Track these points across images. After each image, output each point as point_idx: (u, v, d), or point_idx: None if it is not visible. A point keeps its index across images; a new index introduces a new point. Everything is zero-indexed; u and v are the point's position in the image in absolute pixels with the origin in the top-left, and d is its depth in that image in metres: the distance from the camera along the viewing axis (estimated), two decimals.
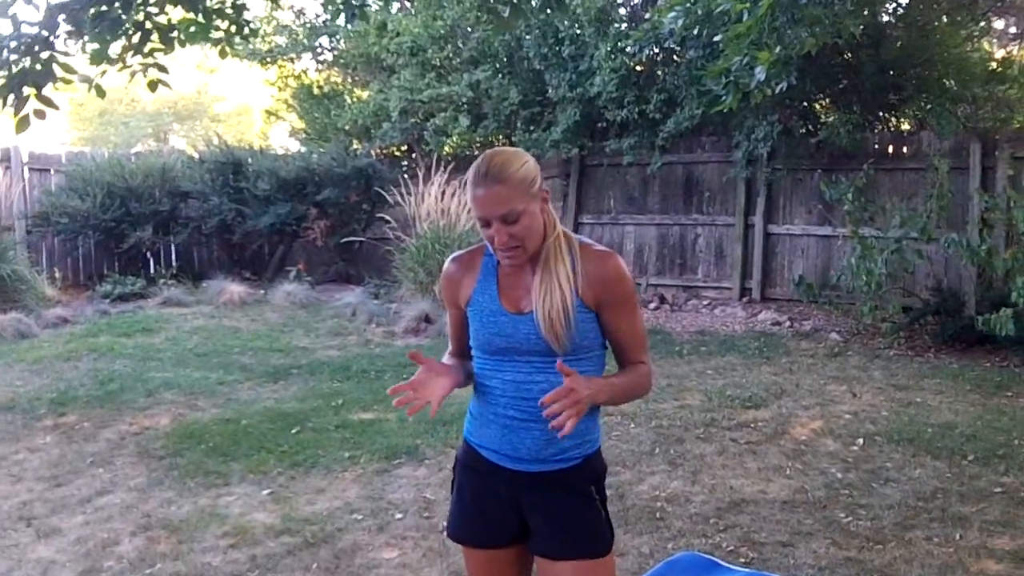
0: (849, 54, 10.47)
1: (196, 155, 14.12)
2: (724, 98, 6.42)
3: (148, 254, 13.27)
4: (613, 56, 11.12)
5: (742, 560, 4.20)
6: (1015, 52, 11.88)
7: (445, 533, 2.64)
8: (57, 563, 4.15)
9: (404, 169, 13.38)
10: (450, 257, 2.55)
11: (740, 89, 6.05)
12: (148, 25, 4.80)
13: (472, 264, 2.47)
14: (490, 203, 2.25)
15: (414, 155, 13.95)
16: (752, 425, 6.28)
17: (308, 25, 15.55)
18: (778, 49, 5.59)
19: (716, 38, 6.72)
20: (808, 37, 5.72)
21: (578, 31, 11.63)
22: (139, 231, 12.59)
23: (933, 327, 9.01)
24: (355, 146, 14.66)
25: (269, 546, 4.32)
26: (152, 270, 13.18)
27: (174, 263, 13.55)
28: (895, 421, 6.36)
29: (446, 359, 2.54)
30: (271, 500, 4.92)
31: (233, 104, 34.91)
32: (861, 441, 5.89)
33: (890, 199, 9.92)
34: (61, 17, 4.57)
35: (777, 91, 6.63)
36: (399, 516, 4.69)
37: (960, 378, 7.64)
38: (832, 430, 6.15)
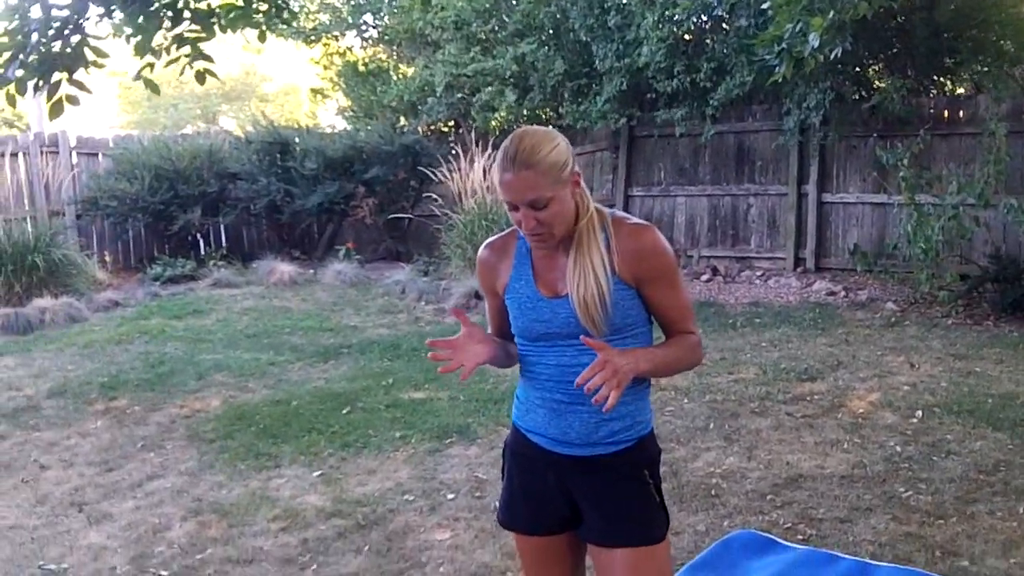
0: (902, 17, 10.19)
1: (243, 136, 14.15)
2: (777, 68, 6.24)
3: (197, 236, 13.35)
4: (660, 25, 10.92)
5: (800, 537, 4.12)
6: None
7: (497, 518, 2.60)
8: (108, 549, 4.17)
9: (451, 145, 13.32)
10: (484, 243, 2.49)
11: (794, 57, 5.86)
12: (180, 4, 4.75)
13: (506, 249, 2.42)
14: (517, 188, 2.17)
15: (461, 130, 13.88)
16: (808, 398, 6.15)
17: (352, 2, 15.48)
18: (831, 14, 5.41)
19: (765, 5, 6.54)
20: (862, 1, 5.52)
21: (624, 1, 11.43)
22: (188, 213, 12.67)
23: (992, 295, 8.78)
24: (402, 123, 14.62)
25: (320, 529, 4.31)
26: (202, 252, 13.25)
27: (223, 244, 13.63)
28: (954, 392, 6.20)
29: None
30: (322, 482, 4.92)
31: (280, 84, 35.03)
32: (920, 413, 5.75)
33: (946, 165, 9.67)
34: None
35: (832, 57, 6.44)
36: (451, 497, 4.66)
37: (1021, 347, 7.43)
38: (890, 402, 6.01)
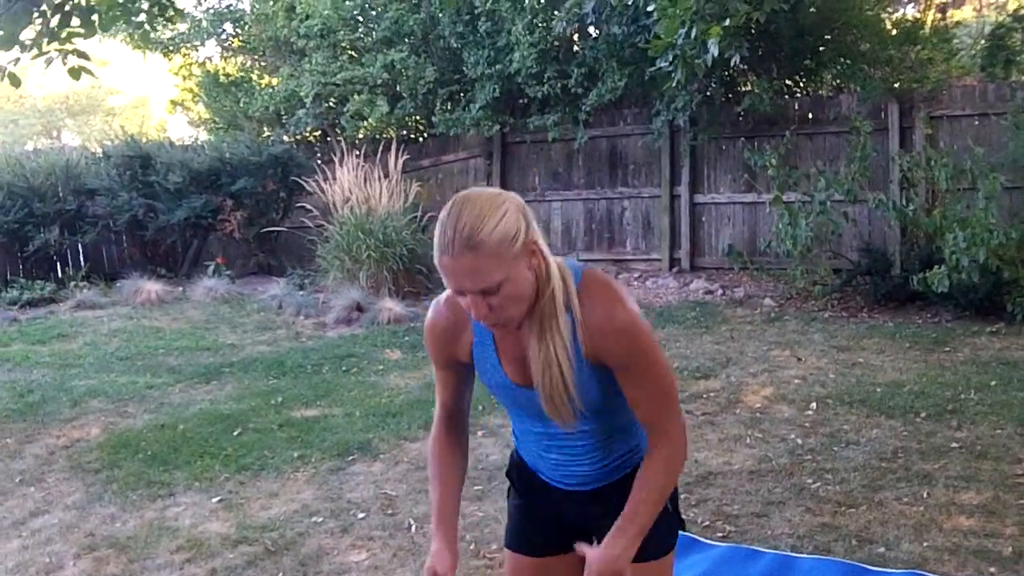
0: (766, 20, 10.47)
1: (100, 150, 13.54)
2: (672, 74, 6.29)
3: (55, 256, 12.70)
4: (531, 31, 10.95)
5: (719, 534, 4.14)
6: (926, 14, 12.04)
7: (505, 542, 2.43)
8: None
9: (319, 155, 13.05)
10: (433, 307, 2.14)
11: (688, 63, 5.92)
12: (68, 7, 4.45)
13: (460, 317, 2.08)
14: (459, 276, 1.85)
15: (329, 139, 13.61)
16: (705, 396, 6.22)
17: (212, 11, 15.02)
18: (727, 21, 5.48)
19: (650, 7, 6.58)
20: (746, 6, 5.61)
21: (494, 6, 11.41)
22: (44, 232, 12.05)
23: (865, 288, 9.10)
24: (266, 133, 14.25)
25: (228, 557, 4.08)
26: (61, 272, 12.61)
27: (84, 264, 12.97)
28: (843, 383, 6.38)
29: (437, 419, 2.29)
30: (222, 508, 4.68)
31: (130, 97, 33.88)
32: (814, 405, 5.88)
33: (813, 163, 9.98)
34: None
35: (732, 65, 6.53)
36: (361, 516, 4.50)
37: (898, 336, 7.71)
38: (784, 396, 6.13)
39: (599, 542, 2.12)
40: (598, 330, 1.95)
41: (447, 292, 2.04)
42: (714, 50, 5.53)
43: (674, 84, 6.41)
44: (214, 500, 4.78)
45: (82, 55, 4.67)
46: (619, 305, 1.97)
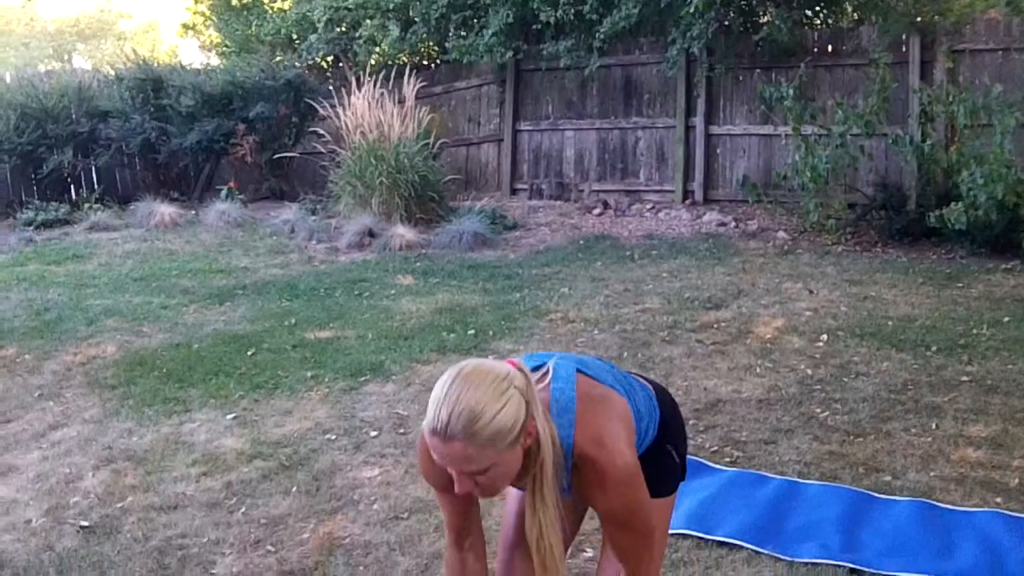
0: None
1: (113, 73, 13.44)
2: None
3: (69, 178, 12.67)
4: None
5: (727, 460, 4.18)
6: None
7: None
8: (19, 502, 3.93)
9: (332, 81, 12.95)
10: (425, 431, 1.86)
11: None
12: None
13: None
14: (447, 458, 1.77)
15: (341, 65, 13.50)
16: (715, 326, 6.24)
17: None
18: None
19: None
20: None
21: None
22: (58, 154, 11.99)
23: (879, 222, 9.07)
24: (278, 58, 14.13)
25: (243, 471, 4.15)
26: (75, 194, 12.59)
27: (97, 186, 12.93)
28: (855, 316, 6.38)
29: (448, 544, 2.18)
30: (237, 425, 4.74)
31: (140, 21, 33.62)
32: (825, 337, 5.90)
33: (832, 96, 9.87)
34: None
35: None
36: (374, 434, 4.55)
37: (911, 271, 7.70)
38: (795, 327, 6.14)
39: None
40: (589, 485, 1.93)
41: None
42: None
43: (691, 10, 6.29)
44: (229, 417, 4.84)
45: None
46: (615, 457, 1.91)
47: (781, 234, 9.32)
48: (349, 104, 10.87)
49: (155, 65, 13.47)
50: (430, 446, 1.79)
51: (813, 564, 3.24)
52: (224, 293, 7.69)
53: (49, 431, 4.74)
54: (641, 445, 2.15)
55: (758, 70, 10.75)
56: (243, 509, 3.78)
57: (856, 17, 11.10)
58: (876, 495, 3.75)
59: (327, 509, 3.77)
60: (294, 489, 3.96)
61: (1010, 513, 3.57)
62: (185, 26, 17.53)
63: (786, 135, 9.83)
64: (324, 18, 12.53)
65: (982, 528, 3.47)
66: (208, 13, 15.96)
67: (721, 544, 3.40)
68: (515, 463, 1.82)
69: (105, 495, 3.95)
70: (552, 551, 1.90)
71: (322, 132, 11.14)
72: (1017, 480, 3.85)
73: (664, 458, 2.29)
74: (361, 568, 3.32)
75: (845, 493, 3.77)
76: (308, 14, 12.86)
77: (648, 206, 11.19)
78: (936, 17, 10.05)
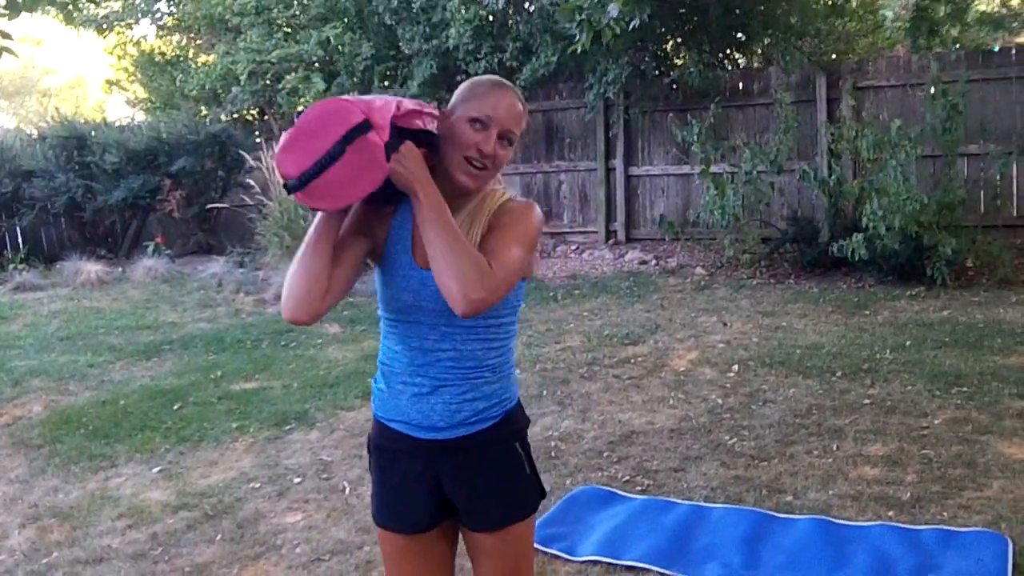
0: None
1: (35, 131, 13.44)
2: (577, 37, 6.46)
3: None
4: (466, 7, 11.07)
5: (638, 488, 4.35)
6: None
7: (373, 518, 2.37)
8: None
9: (257, 133, 13.06)
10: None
11: (593, 27, 6.09)
12: None
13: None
14: (507, 110, 2.10)
15: (266, 117, 13.63)
16: (633, 361, 6.45)
17: None
18: None
19: None
20: None
21: None
22: None
23: (792, 255, 9.40)
24: (203, 112, 14.22)
25: (168, 523, 4.23)
26: None
27: (22, 246, 12.92)
28: (765, 346, 6.64)
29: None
30: (163, 477, 4.81)
31: (66, 77, 33.36)
32: (736, 367, 6.13)
33: (742, 135, 10.24)
34: None
35: (630, 28, 6.71)
36: (297, 480, 4.66)
37: (821, 301, 8.01)
38: (708, 359, 6.38)
39: (465, 515, 2.25)
40: (500, 208, 2.15)
41: None
42: (613, 12, 5.69)
43: (578, 50, 6.55)
44: (155, 470, 4.91)
45: (5, 36, 4.66)
46: (525, 203, 2.19)
47: (699, 270, 9.61)
48: (275, 156, 10.97)
49: (79, 123, 13.51)
50: (489, 96, 2.10)
51: None
52: (151, 349, 7.74)
53: None
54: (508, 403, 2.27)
55: (672, 112, 11.11)
56: (168, 559, 3.86)
57: (765, 57, 11.52)
58: (777, 515, 3.95)
59: (250, 555, 3.86)
60: (218, 537, 4.05)
61: (901, 525, 3.79)
62: (109, 82, 17.52)
63: (698, 175, 10.16)
64: (247, 71, 12.66)
65: (874, 541, 3.68)
66: (132, 69, 16.00)
67: (630, 568, 3.56)
68: (506, 160, 2.12)
69: (31, 552, 4.00)
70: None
71: (251, 184, 11.24)
72: (909, 494, 4.08)
73: (518, 462, 2.29)
74: None
75: (747, 514, 3.96)
76: (232, 67, 12.98)
77: (573, 247, 11.45)
78: (841, 57, 10.51)
